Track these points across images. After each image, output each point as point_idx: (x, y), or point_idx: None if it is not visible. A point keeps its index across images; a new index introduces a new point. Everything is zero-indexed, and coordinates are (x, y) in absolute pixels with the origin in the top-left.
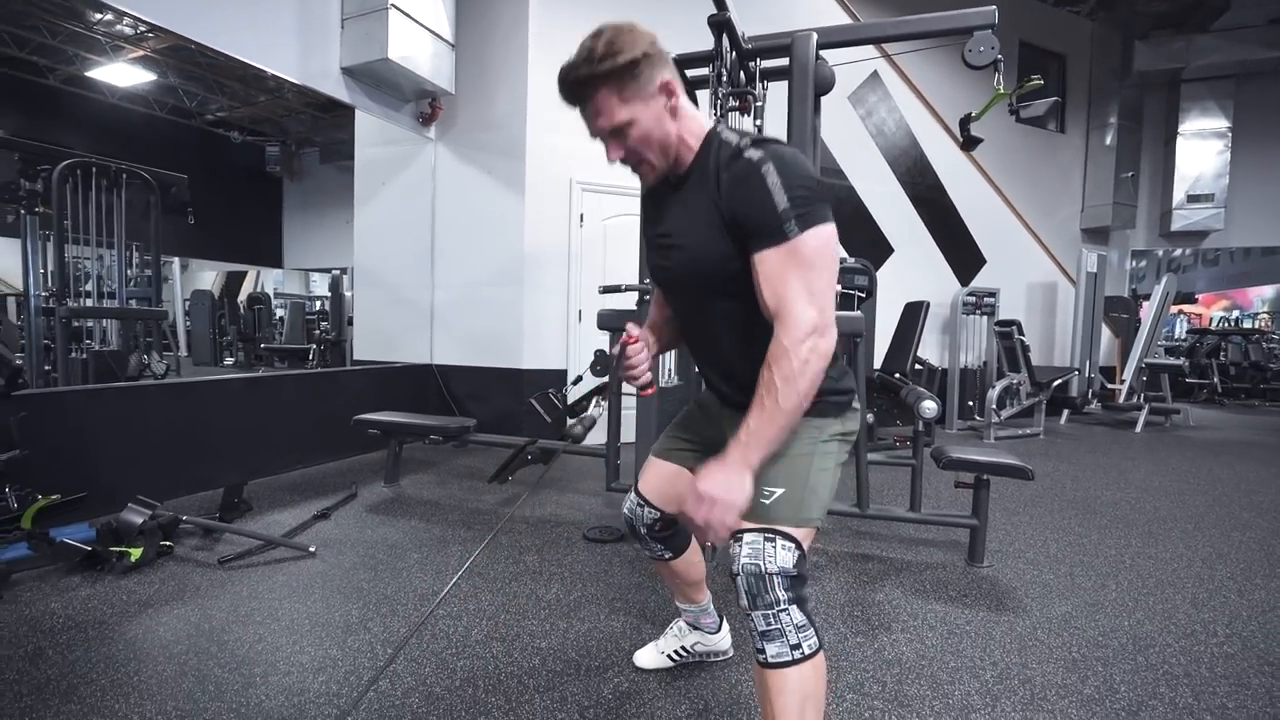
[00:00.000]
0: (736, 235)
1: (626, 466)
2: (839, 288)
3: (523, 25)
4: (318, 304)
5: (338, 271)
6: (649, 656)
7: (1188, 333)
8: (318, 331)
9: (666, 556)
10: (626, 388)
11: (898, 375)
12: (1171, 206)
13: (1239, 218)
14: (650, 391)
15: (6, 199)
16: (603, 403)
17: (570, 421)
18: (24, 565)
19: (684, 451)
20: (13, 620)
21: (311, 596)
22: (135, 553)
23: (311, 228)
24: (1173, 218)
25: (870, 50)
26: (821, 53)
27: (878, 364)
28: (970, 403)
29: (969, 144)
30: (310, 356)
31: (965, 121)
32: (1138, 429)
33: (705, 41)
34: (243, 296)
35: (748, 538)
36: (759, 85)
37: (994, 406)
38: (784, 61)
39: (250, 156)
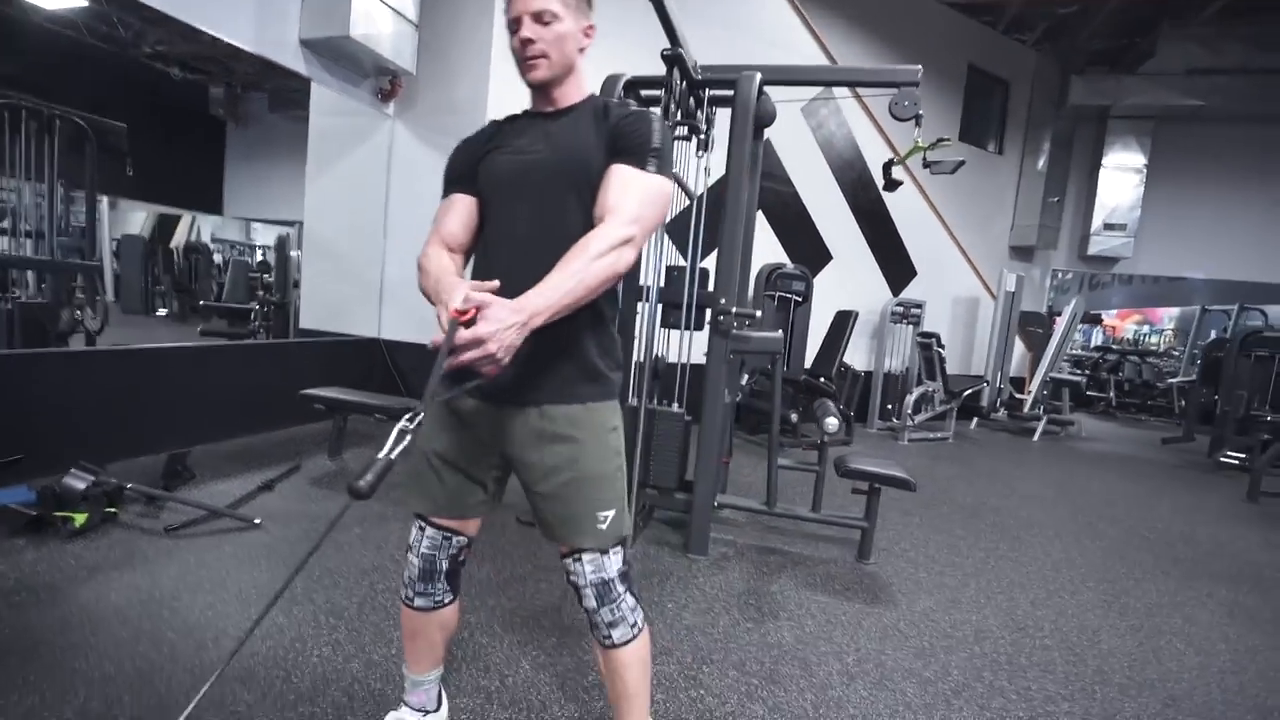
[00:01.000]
0: (608, 150)
1: None
2: (777, 294)
3: (489, 12)
4: (259, 254)
5: (285, 231)
6: None
7: (1095, 348)
8: (261, 292)
9: (448, 601)
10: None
11: (822, 379)
12: (1090, 231)
13: (1146, 246)
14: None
15: None
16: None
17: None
18: None
19: (458, 472)
20: None
21: (258, 567)
22: (80, 518)
23: (258, 178)
24: (1090, 242)
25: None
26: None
27: (808, 365)
28: (890, 406)
29: (890, 186)
30: (252, 318)
31: (888, 165)
32: (1035, 438)
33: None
34: (178, 241)
35: (587, 557)
36: (706, 110)
37: (909, 411)
38: (731, 92)
39: (191, 95)
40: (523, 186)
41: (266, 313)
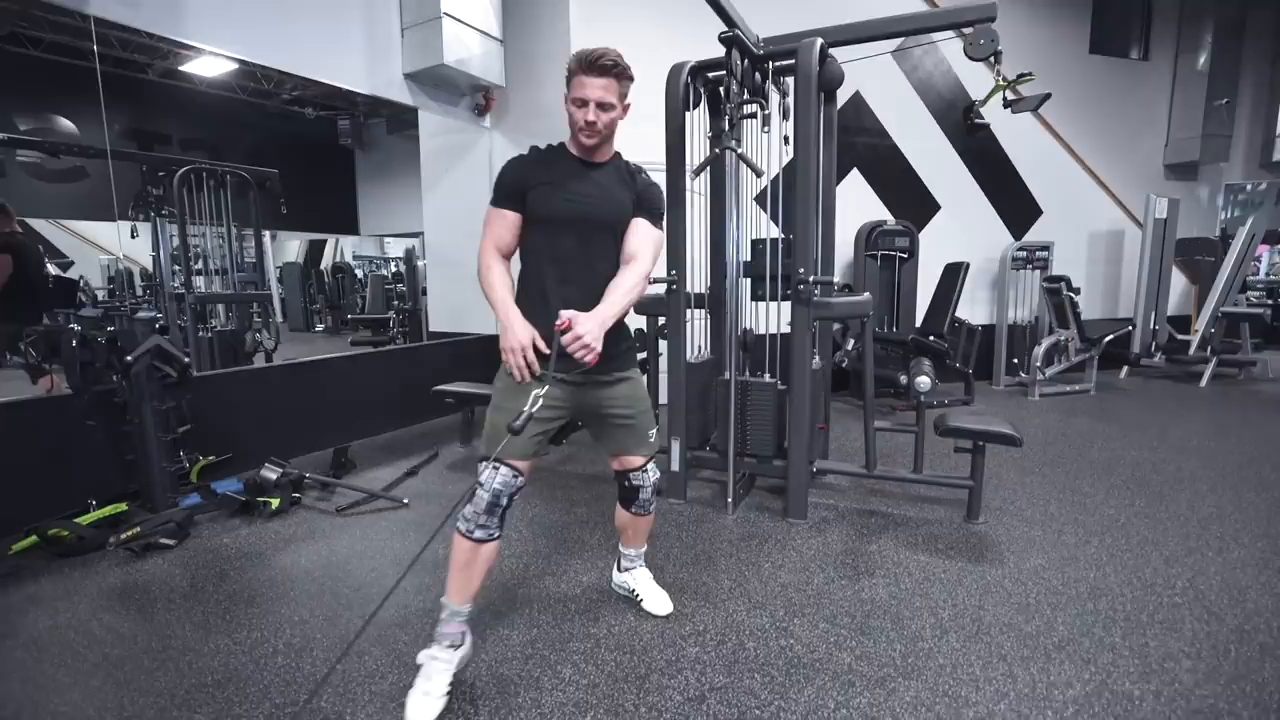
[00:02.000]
0: (636, 204)
1: (663, 430)
2: (879, 252)
3: (564, 18)
4: (393, 265)
5: (411, 243)
6: (424, 708)
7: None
8: (396, 301)
9: (497, 536)
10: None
11: (933, 337)
12: (1276, 134)
13: None
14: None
15: (138, 205)
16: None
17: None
18: (198, 511)
19: (538, 425)
20: (201, 551)
21: (408, 538)
22: (275, 502)
23: (384, 196)
24: (1277, 146)
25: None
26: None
27: (919, 324)
28: (1016, 360)
29: (973, 131)
30: (390, 325)
31: (968, 111)
32: (1202, 383)
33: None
34: (326, 264)
35: (650, 467)
36: (774, 84)
37: (1038, 364)
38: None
39: (324, 130)
40: (575, 223)
41: (402, 320)
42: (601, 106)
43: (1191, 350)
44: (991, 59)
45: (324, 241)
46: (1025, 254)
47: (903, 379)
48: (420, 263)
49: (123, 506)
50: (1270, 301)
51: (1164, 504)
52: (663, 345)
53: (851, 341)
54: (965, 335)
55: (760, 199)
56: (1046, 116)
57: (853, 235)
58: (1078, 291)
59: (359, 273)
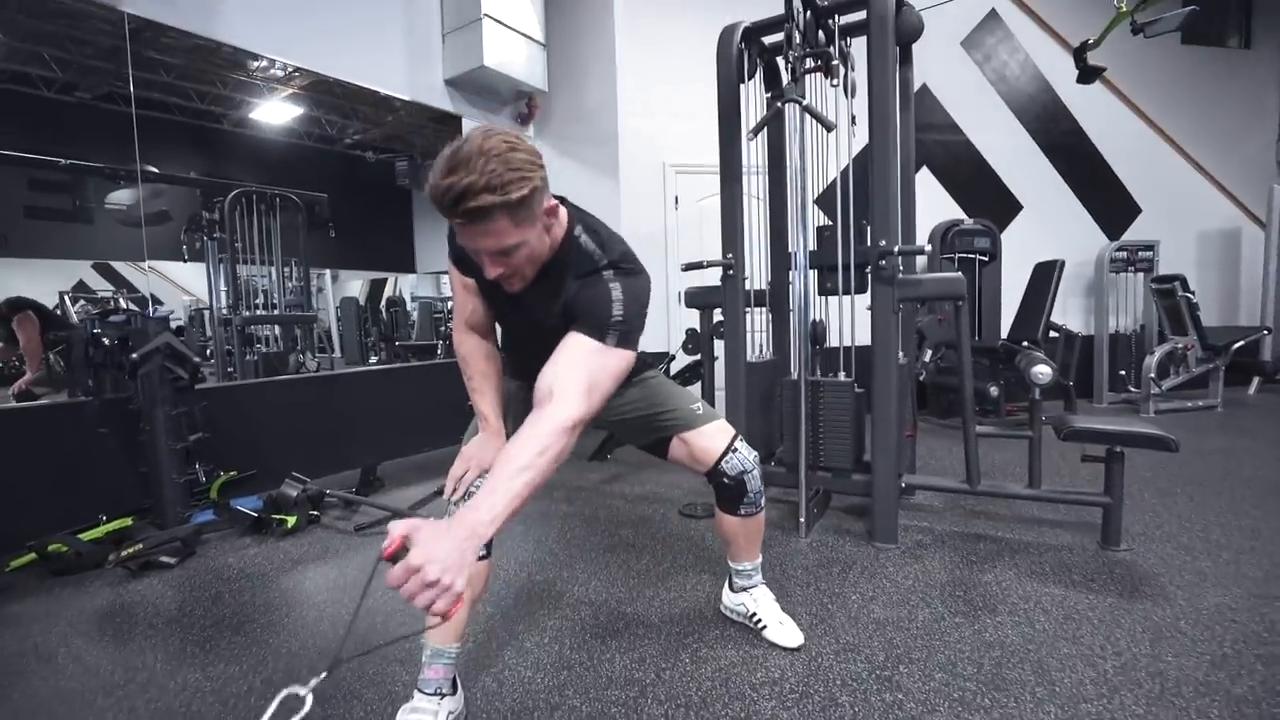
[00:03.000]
0: (569, 318)
1: None
2: (956, 254)
3: (608, 20)
4: (449, 305)
5: None
6: None
7: None
8: (443, 328)
9: (484, 554)
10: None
11: (1026, 344)
12: None
13: None
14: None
15: (193, 228)
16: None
17: None
18: (210, 528)
19: None
20: (202, 570)
21: None
22: (291, 520)
23: (439, 233)
24: None
25: None
26: None
27: (1005, 333)
28: (1123, 372)
29: (1087, 76)
30: (437, 351)
31: (1081, 50)
32: None
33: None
34: (384, 301)
35: (738, 444)
36: (839, 43)
37: (1152, 375)
38: (863, 15)
39: (383, 173)
40: (536, 331)
41: (448, 345)
42: (503, 253)
43: None
44: None
45: (384, 280)
46: (1126, 255)
47: (993, 390)
48: None
49: (128, 522)
50: None
51: None
52: (718, 347)
53: (929, 352)
54: (1064, 342)
55: (821, 201)
56: (1142, 106)
57: (924, 238)
58: (1193, 293)
59: (411, 306)
